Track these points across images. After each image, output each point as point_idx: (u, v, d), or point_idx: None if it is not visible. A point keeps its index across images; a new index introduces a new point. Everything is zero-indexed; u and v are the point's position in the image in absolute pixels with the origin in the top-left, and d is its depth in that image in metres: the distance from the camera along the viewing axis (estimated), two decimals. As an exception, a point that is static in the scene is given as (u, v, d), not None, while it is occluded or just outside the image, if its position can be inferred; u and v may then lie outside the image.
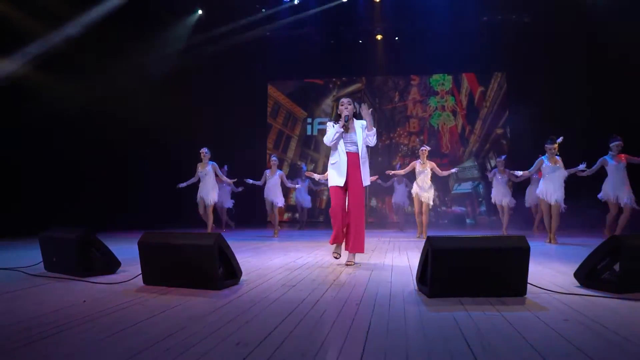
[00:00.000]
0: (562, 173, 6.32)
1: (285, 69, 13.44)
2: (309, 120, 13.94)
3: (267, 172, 8.11)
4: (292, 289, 2.93)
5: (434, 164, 7.47)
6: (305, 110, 13.95)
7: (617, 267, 2.79)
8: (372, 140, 4.19)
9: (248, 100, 13.42)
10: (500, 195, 8.00)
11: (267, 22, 10.73)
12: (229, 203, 9.42)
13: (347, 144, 4.20)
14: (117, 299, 2.62)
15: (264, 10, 10.36)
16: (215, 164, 7.55)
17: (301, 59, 12.98)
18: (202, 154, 7.53)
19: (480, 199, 12.86)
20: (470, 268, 2.65)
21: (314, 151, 13.80)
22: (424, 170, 7.39)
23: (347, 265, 4.06)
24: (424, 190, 7.35)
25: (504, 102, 13.06)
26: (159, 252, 3.00)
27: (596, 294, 2.73)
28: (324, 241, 6.62)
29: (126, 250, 4.78)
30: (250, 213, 11.88)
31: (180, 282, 2.95)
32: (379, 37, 12.24)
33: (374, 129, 4.18)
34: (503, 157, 8.45)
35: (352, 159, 4.19)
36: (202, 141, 7.94)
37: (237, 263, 3.09)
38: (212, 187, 7.42)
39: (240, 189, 9.40)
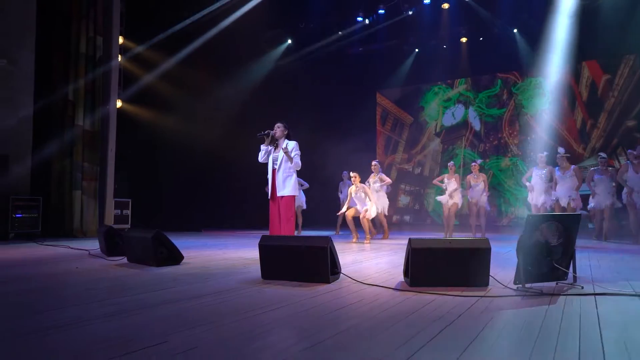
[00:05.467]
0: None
1: (392, 78, 14.20)
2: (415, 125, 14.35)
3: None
4: (207, 274, 4.14)
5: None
6: (411, 115, 14.42)
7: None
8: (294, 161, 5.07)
9: (358, 109, 14.61)
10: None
11: (349, 39, 11.79)
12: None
13: (274, 162, 5.17)
14: (98, 268, 4.24)
15: (340, 32, 11.45)
16: None
17: (403, 67, 13.59)
18: None
19: (605, 201, 11.43)
20: (287, 260, 3.49)
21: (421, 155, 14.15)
22: (478, 184, 8.49)
23: None
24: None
25: (638, 88, 11.38)
26: (131, 241, 4.58)
27: (388, 287, 3.26)
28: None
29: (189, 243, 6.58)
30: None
31: (139, 261, 4.46)
32: (463, 39, 12.04)
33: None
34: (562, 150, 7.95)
35: (276, 175, 5.13)
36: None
37: (177, 250, 4.46)
38: None
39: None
